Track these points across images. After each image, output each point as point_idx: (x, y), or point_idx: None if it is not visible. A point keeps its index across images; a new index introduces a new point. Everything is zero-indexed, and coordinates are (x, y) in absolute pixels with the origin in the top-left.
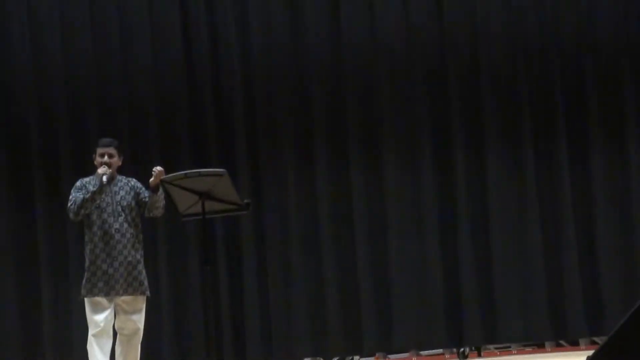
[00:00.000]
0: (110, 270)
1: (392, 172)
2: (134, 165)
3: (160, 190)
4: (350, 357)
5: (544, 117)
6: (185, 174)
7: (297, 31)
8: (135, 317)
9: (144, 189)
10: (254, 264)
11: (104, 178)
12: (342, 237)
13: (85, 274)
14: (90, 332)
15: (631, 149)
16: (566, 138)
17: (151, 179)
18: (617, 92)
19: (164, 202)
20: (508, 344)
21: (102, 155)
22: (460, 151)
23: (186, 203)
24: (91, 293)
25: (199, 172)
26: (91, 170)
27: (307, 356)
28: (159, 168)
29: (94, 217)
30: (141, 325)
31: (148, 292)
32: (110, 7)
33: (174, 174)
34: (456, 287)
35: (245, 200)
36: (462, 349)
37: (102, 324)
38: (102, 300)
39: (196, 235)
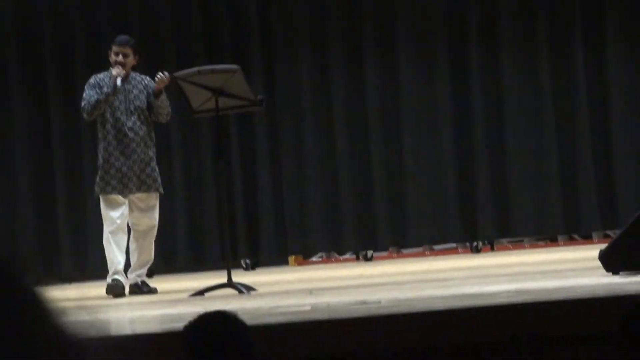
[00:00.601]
0: (124, 168)
1: (407, 70)
2: (148, 63)
3: (164, 96)
4: (364, 252)
5: (560, 16)
6: (198, 70)
7: None
8: (149, 213)
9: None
10: (268, 160)
11: (118, 80)
12: (356, 133)
13: (99, 171)
14: (106, 228)
15: None
16: (582, 35)
17: (155, 84)
18: None
19: (169, 108)
20: (521, 238)
21: (117, 54)
22: (474, 49)
23: (199, 99)
24: (105, 191)
25: (212, 68)
26: (105, 66)
27: (321, 251)
28: (164, 75)
29: (107, 115)
30: (156, 222)
31: (161, 189)
32: None
33: (187, 70)
34: (470, 183)
35: (259, 96)
36: (475, 244)
37: (117, 221)
38: (116, 197)
39: (210, 131)
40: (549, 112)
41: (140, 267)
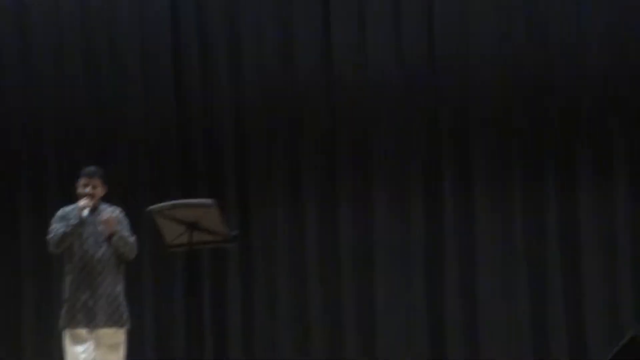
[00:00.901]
0: (90, 302)
1: (382, 210)
2: (123, 194)
3: (116, 237)
4: None
5: (534, 157)
6: (173, 204)
7: (288, 63)
8: (115, 350)
9: (125, 222)
10: (239, 297)
11: (84, 212)
12: (329, 273)
13: (65, 305)
14: None
15: (620, 189)
16: (553, 179)
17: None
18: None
19: (128, 246)
20: None
21: (86, 186)
22: (448, 193)
23: (173, 233)
24: (70, 324)
25: (187, 202)
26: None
27: None
28: (105, 217)
29: (75, 247)
30: (123, 357)
31: (128, 325)
32: (102, 33)
33: (162, 203)
34: (441, 329)
35: (233, 233)
36: None
37: (81, 356)
38: (81, 332)
39: (182, 266)
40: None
41: None
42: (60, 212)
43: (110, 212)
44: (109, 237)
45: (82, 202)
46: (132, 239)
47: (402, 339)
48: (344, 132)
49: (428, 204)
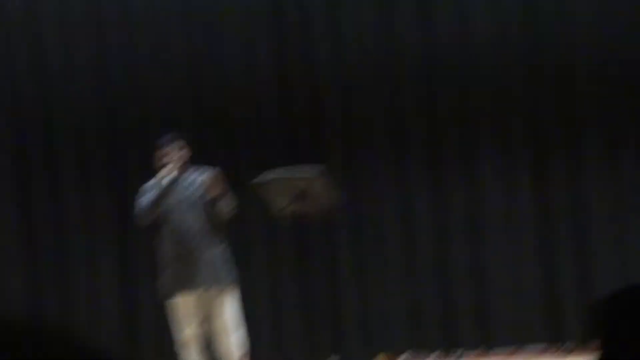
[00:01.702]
0: (190, 267)
1: (489, 176)
2: (225, 159)
3: (222, 203)
4: (454, 351)
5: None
6: (278, 176)
7: (388, 31)
8: (223, 312)
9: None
10: (351, 264)
11: (164, 180)
12: (439, 239)
13: (164, 274)
14: (179, 336)
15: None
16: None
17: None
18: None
19: (231, 207)
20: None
21: (161, 158)
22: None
23: (280, 204)
24: (173, 292)
25: (292, 175)
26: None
27: (408, 349)
28: (208, 180)
29: (167, 215)
30: (230, 322)
31: (233, 284)
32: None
33: (267, 175)
34: (554, 281)
35: (339, 200)
36: (566, 344)
37: (188, 325)
38: (185, 298)
39: (290, 236)
40: None
41: None
42: (142, 190)
43: (208, 174)
44: (213, 200)
45: (162, 172)
46: (230, 201)
47: (517, 309)
48: (445, 96)
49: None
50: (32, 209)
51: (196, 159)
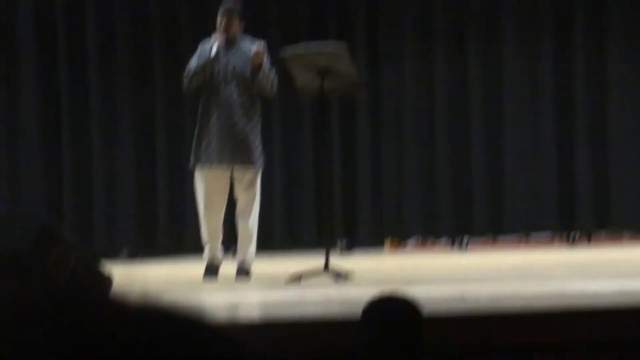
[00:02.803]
0: (222, 140)
1: (510, 56)
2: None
3: (263, 72)
4: (460, 237)
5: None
6: (305, 48)
7: None
8: (247, 188)
9: (266, 56)
10: (368, 143)
11: (214, 48)
12: (457, 116)
13: (195, 141)
14: (199, 204)
15: None
16: (583, 33)
17: (252, 59)
18: None
19: (272, 84)
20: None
21: (221, 22)
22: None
23: (305, 78)
24: (201, 162)
25: (319, 49)
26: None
27: (417, 234)
28: (258, 47)
29: (207, 83)
30: (255, 198)
31: (261, 164)
32: None
33: (293, 48)
34: (568, 172)
35: (362, 78)
36: (572, 234)
37: (212, 197)
38: (213, 170)
39: (311, 111)
40: None
41: (240, 248)
42: (198, 50)
43: (259, 45)
44: (255, 71)
45: (213, 38)
46: (273, 74)
47: (531, 187)
48: None
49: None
50: None
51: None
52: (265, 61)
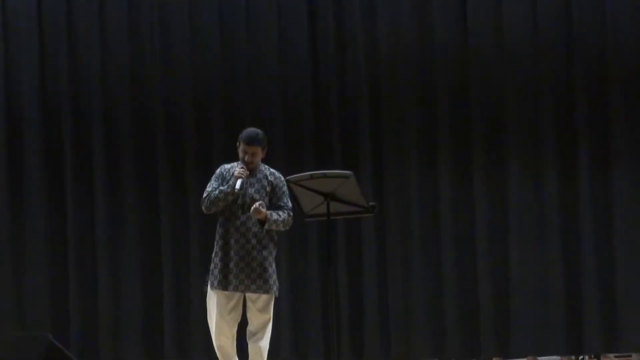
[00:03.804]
0: (239, 266)
1: (515, 178)
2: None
3: (269, 223)
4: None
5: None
6: (311, 174)
7: (423, 31)
8: (261, 315)
9: (285, 188)
10: (375, 265)
11: (238, 183)
12: (462, 238)
13: (213, 264)
14: (212, 327)
15: None
16: (588, 153)
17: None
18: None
19: (284, 222)
20: (629, 353)
21: (245, 152)
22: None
23: (311, 203)
24: (213, 285)
25: (325, 173)
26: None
27: (425, 357)
28: (258, 207)
29: (229, 210)
30: (269, 322)
31: (275, 292)
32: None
33: (300, 174)
34: (577, 293)
35: (371, 203)
36: (581, 357)
37: (226, 318)
38: (228, 294)
39: (317, 234)
40: None
41: None
42: (218, 171)
43: (257, 204)
44: (261, 223)
45: (238, 171)
46: (284, 215)
47: (538, 310)
48: (478, 98)
49: (563, 176)
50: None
51: (231, 159)
52: (284, 191)
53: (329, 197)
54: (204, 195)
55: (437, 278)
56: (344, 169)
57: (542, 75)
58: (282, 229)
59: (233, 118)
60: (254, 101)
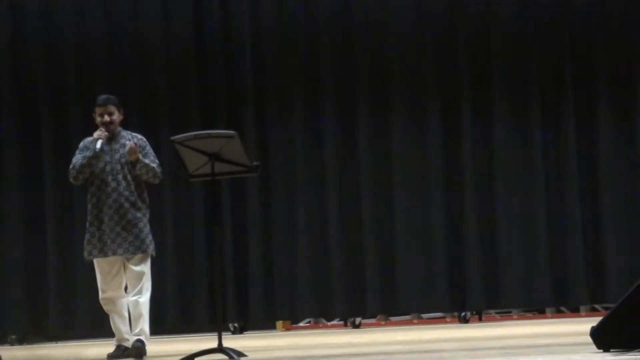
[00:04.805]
0: (113, 231)
1: (399, 134)
2: (143, 127)
3: (140, 164)
4: (352, 319)
5: (552, 84)
6: (196, 135)
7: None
8: (140, 277)
9: (149, 148)
10: (259, 225)
11: (98, 143)
12: (347, 198)
13: (87, 234)
14: (100, 295)
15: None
16: (574, 104)
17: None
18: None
19: (152, 173)
20: (509, 309)
21: (102, 115)
22: (467, 119)
23: (195, 163)
24: (91, 254)
25: (209, 133)
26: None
27: (310, 316)
28: (132, 145)
29: (93, 177)
30: (145, 276)
31: (151, 251)
32: None
33: (184, 134)
34: (460, 252)
35: (255, 163)
36: (463, 313)
37: (107, 287)
38: (106, 260)
39: (202, 195)
40: (540, 183)
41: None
42: (81, 144)
43: (132, 140)
44: (133, 165)
45: (97, 133)
46: (155, 164)
47: (422, 268)
48: (362, 58)
49: (446, 133)
50: None
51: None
52: (148, 150)
53: (214, 157)
54: (70, 166)
55: (321, 239)
56: (228, 130)
57: (427, 38)
58: (152, 180)
59: (118, 78)
60: (138, 63)
